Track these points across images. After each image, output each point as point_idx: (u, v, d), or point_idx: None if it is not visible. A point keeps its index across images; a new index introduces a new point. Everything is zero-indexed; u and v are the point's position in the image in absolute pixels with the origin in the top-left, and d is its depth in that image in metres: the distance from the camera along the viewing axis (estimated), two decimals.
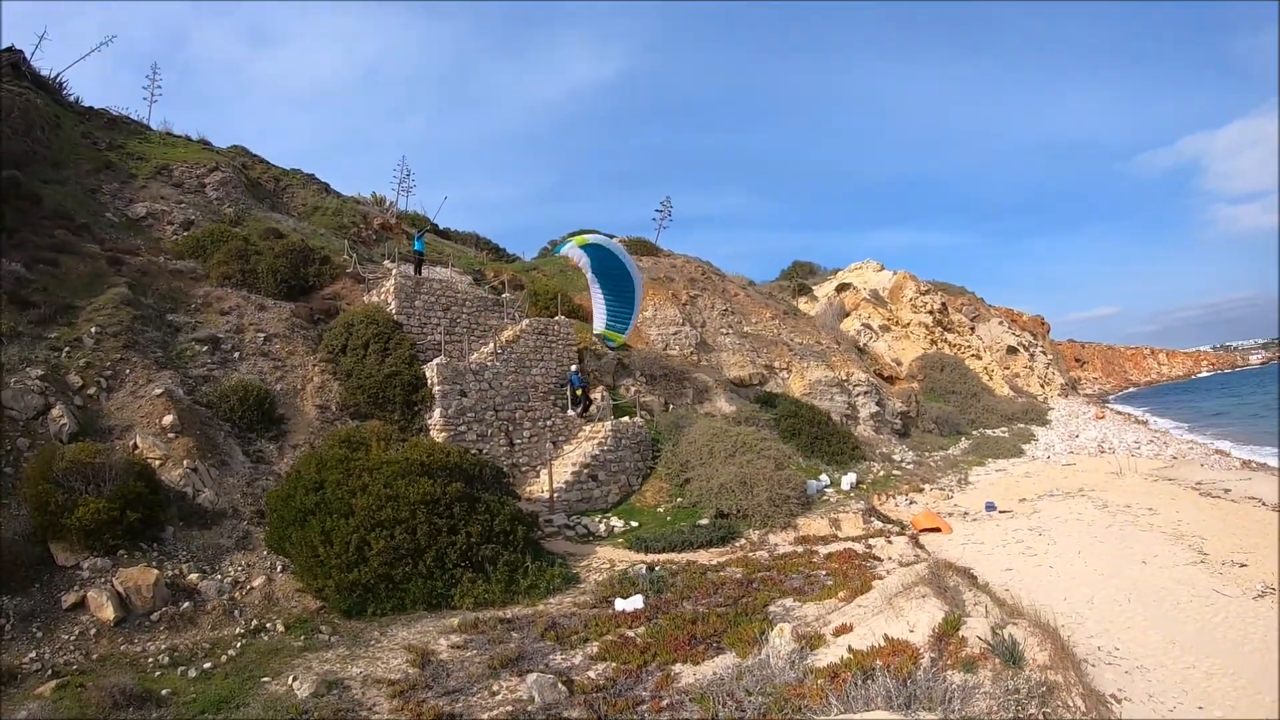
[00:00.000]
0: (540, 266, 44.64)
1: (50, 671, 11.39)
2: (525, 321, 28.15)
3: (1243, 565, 17.46)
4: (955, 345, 72.24)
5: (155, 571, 13.85)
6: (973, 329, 78.96)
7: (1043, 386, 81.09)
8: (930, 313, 72.28)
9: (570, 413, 27.05)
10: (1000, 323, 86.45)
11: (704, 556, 19.94)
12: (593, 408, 28.14)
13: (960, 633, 9.62)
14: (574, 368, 28.03)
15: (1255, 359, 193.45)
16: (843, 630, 11.21)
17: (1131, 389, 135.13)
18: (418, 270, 29.73)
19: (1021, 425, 56.51)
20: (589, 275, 27.00)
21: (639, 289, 26.55)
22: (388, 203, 47.21)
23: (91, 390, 17.87)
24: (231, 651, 12.64)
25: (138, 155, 33.20)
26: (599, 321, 28.01)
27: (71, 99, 35.96)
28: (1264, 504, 23.93)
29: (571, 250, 26.10)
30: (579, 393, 27.45)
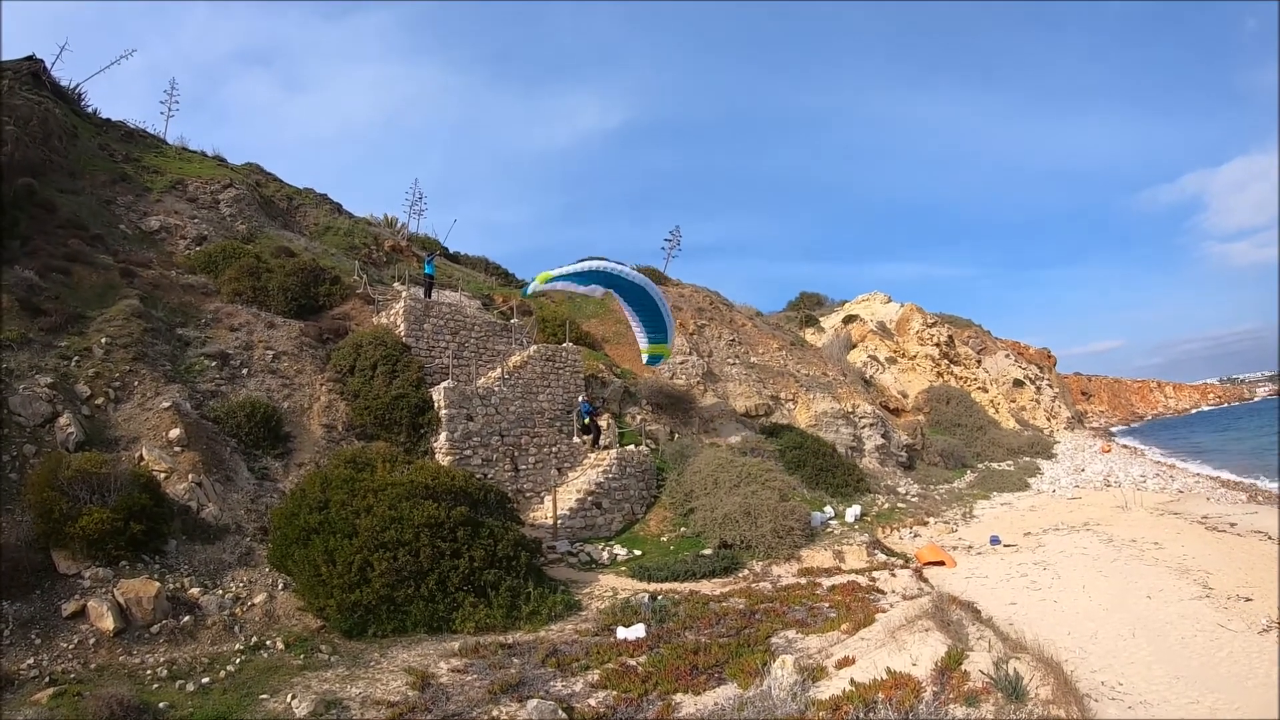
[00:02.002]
0: (548, 293, 44.76)
1: (48, 679, 11.41)
2: (533, 347, 28.17)
3: (1248, 600, 17.39)
4: (961, 378, 72.11)
5: (157, 584, 13.85)
6: (979, 361, 78.87)
7: (1049, 420, 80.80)
8: (937, 345, 72.20)
9: (576, 439, 27.00)
10: (1006, 355, 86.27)
11: (707, 586, 19.86)
12: (602, 439, 28.12)
13: (963, 666, 9.56)
14: (581, 397, 28.11)
15: (1263, 391, 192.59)
16: (845, 663, 11.15)
17: (1138, 422, 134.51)
18: (428, 293, 29.76)
19: (1027, 458, 56.27)
20: (620, 301, 26.95)
21: (657, 296, 26.42)
22: (399, 224, 47.35)
23: (99, 400, 17.93)
24: (230, 667, 12.62)
25: (153, 169, 33.38)
26: (641, 341, 27.96)
27: (90, 110, 36.20)
28: (1270, 538, 23.83)
29: (555, 285, 25.81)
30: (588, 422, 27.47)
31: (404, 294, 27.95)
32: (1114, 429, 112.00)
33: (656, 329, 27.17)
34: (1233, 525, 26.35)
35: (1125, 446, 75.16)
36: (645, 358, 28.84)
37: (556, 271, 24.52)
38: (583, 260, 25.29)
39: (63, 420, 16.46)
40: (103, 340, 19.46)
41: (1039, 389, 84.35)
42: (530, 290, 25.74)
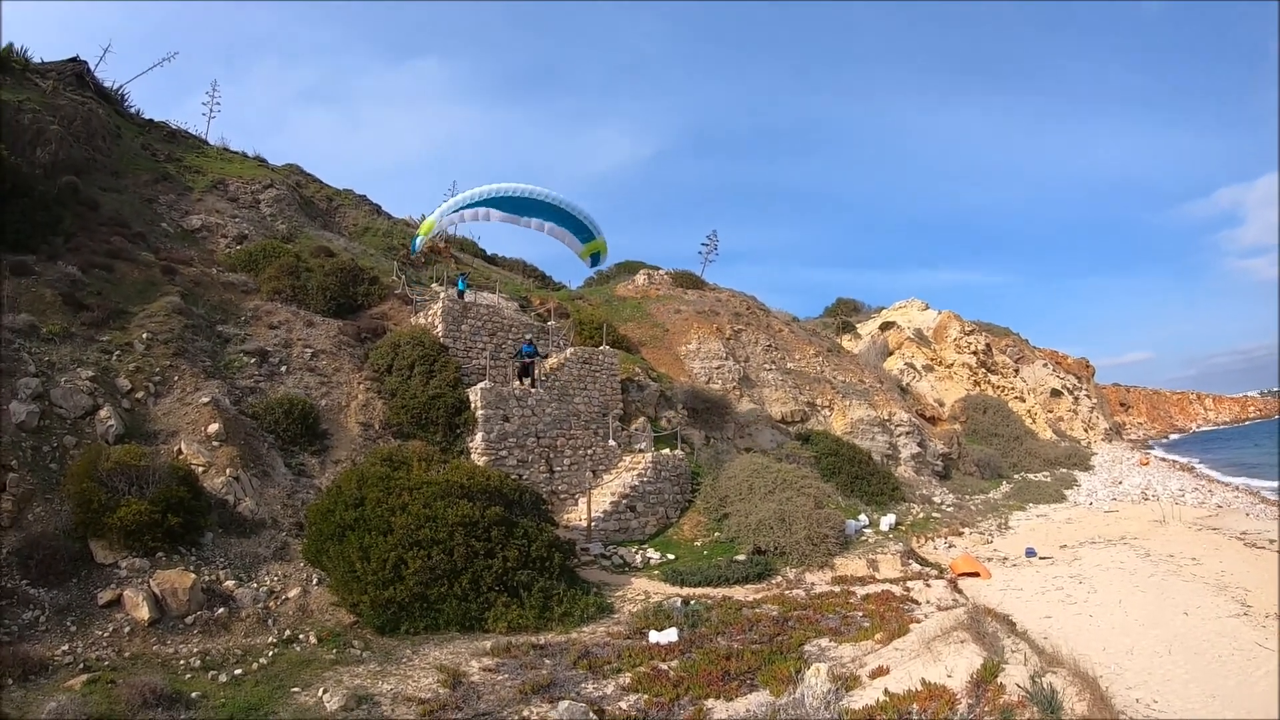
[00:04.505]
0: (585, 295, 44.80)
1: (82, 665, 11.56)
2: (569, 350, 28.15)
3: None
4: (998, 387, 71.37)
5: (192, 575, 14.00)
6: (1016, 371, 77.98)
7: (1086, 431, 79.74)
8: (974, 353, 71.50)
9: (515, 384, 25.97)
10: (1044, 365, 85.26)
11: (740, 592, 19.77)
12: (638, 442, 28.02)
13: (998, 679, 9.44)
14: (528, 337, 27.45)
15: None
16: (879, 673, 11.05)
17: (1177, 435, 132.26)
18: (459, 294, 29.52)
19: (1064, 470, 55.64)
20: (534, 222, 26.65)
21: (565, 200, 26.02)
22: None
23: (140, 394, 18.14)
24: (263, 660, 12.70)
25: (195, 169, 33.82)
26: (575, 246, 27.63)
27: (133, 111, 36.79)
28: None
29: (448, 219, 25.39)
30: (527, 363, 26.41)
31: (442, 294, 28.02)
32: (1159, 441, 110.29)
33: (581, 229, 26.87)
34: (1271, 541, 25.78)
35: (1165, 460, 74.03)
36: (588, 262, 28.50)
37: (436, 212, 24.23)
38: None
39: (103, 413, 16.65)
40: (144, 336, 19.70)
41: (1077, 399, 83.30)
42: (419, 245, 25.39)
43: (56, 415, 16.02)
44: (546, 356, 27.97)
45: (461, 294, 30.35)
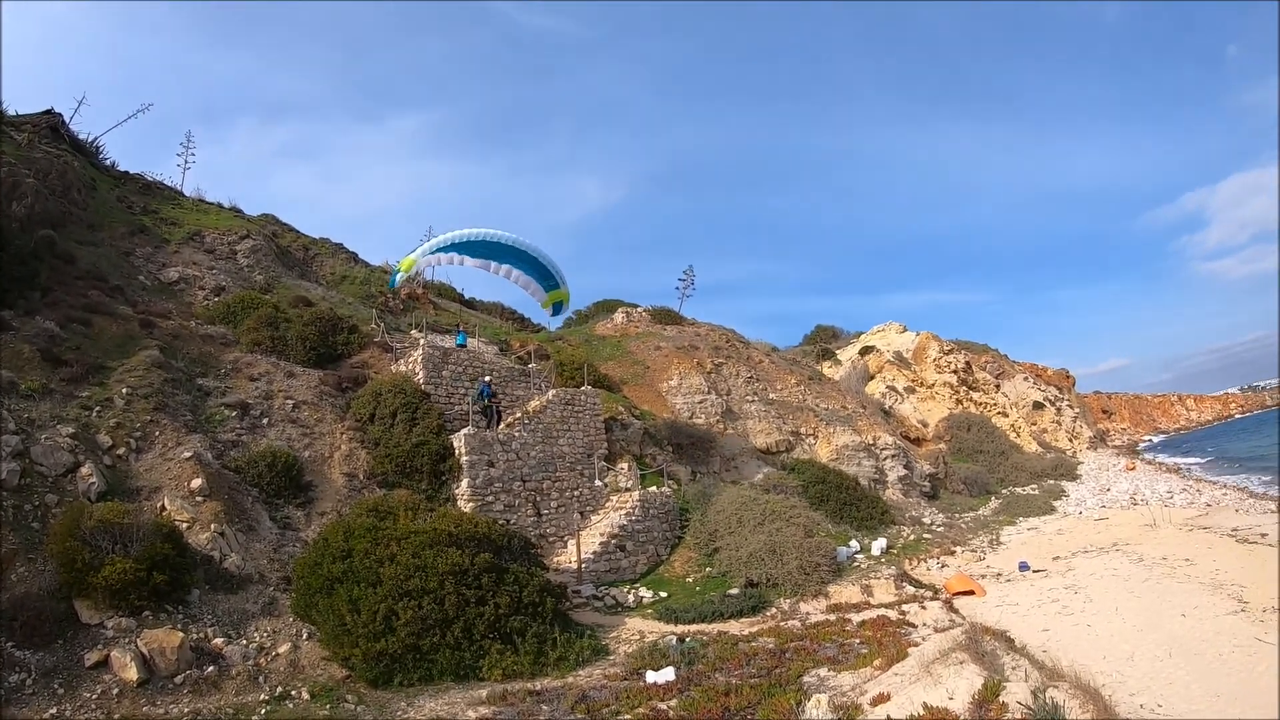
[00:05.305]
0: (565, 336, 44.75)
1: None
2: (551, 392, 28.07)
3: None
4: (981, 404, 71.74)
5: (180, 634, 13.79)
6: (998, 386, 78.37)
7: (1071, 441, 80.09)
8: (954, 372, 71.87)
9: (473, 428, 24.85)
10: (1025, 378, 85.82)
11: (735, 627, 19.64)
12: (623, 480, 27.92)
13: (1000, 698, 9.39)
14: (486, 378, 27.24)
15: None
16: (880, 700, 10.96)
17: (1161, 437, 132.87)
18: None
19: (1051, 481, 55.84)
20: (503, 267, 26.80)
21: (533, 247, 26.21)
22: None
23: (121, 450, 17.96)
24: (256, 718, 12.54)
25: (171, 220, 33.79)
26: (539, 296, 27.68)
27: (108, 163, 36.70)
28: None
29: (425, 260, 25.93)
30: (488, 404, 26.22)
31: (422, 341, 27.90)
32: (1148, 440, 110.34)
33: (546, 277, 27.00)
34: (1264, 535, 25.80)
35: (1150, 463, 74.33)
36: (550, 311, 28.59)
37: (416, 252, 24.49)
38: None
39: (84, 470, 16.48)
40: (124, 390, 19.55)
41: (1059, 410, 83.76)
42: (397, 281, 25.69)
43: (37, 473, 15.83)
44: (499, 397, 27.58)
45: (463, 346, 30.16)
